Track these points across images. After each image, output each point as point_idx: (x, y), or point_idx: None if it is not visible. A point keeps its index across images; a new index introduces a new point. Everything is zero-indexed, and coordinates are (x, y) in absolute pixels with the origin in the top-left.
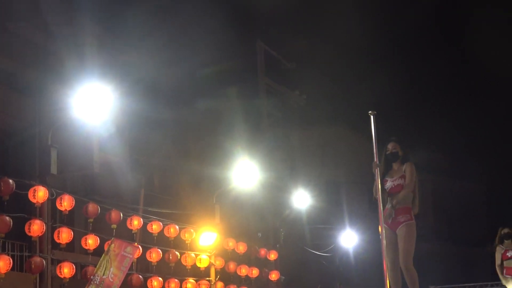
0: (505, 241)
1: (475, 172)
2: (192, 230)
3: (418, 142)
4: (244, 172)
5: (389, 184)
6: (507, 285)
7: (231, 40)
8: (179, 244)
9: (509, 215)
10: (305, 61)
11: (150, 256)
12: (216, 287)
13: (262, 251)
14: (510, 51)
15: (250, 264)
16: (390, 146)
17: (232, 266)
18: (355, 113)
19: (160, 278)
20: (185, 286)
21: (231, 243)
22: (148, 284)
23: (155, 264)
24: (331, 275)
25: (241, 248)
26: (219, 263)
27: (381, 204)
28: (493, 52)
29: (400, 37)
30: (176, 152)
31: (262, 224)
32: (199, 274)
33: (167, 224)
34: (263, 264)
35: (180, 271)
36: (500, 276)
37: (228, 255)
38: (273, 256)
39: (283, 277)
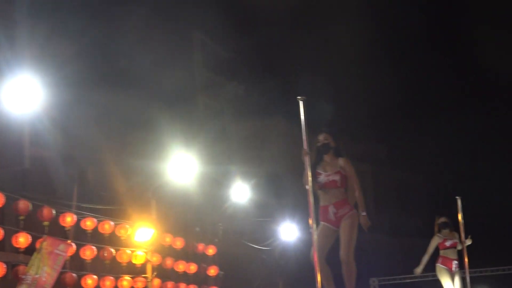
0: (443, 230)
1: (414, 162)
2: (127, 226)
3: (356, 132)
4: (181, 166)
5: (323, 178)
6: (439, 275)
7: (164, 29)
8: (114, 240)
9: (449, 204)
10: (243, 51)
11: (84, 253)
12: (152, 284)
13: (200, 246)
14: None
15: (188, 259)
16: (321, 137)
17: (169, 262)
18: (295, 103)
19: (95, 276)
20: (120, 284)
21: (168, 239)
22: (82, 283)
23: (89, 261)
24: (271, 270)
25: (179, 243)
26: (155, 259)
27: (312, 196)
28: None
29: (328, 23)
30: (111, 145)
31: (200, 219)
32: (135, 271)
33: (101, 220)
34: (201, 260)
35: (115, 269)
36: (421, 266)
37: (165, 251)
38: (211, 251)
39: (222, 273)
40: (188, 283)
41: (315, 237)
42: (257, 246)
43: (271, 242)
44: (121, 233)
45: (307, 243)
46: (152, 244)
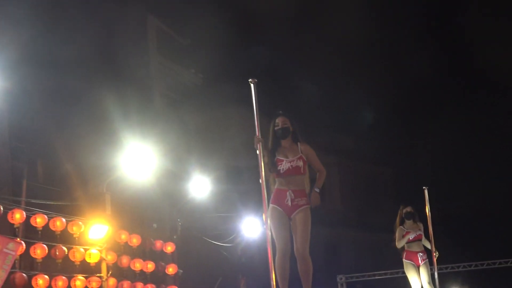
0: (407, 221)
1: (381, 153)
2: (80, 223)
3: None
4: (137, 158)
5: (285, 165)
6: (406, 271)
7: (118, 15)
8: (66, 238)
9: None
10: (201, 37)
11: (34, 252)
12: (108, 283)
13: (158, 244)
14: None
15: (145, 257)
16: (279, 120)
17: (125, 260)
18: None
19: (46, 276)
20: (73, 284)
21: (123, 236)
22: (33, 283)
23: (40, 260)
24: (233, 267)
25: (135, 240)
26: (111, 257)
27: (265, 189)
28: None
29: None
30: (62, 138)
31: (157, 214)
32: (89, 270)
33: (52, 217)
34: (159, 258)
35: (68, 268)
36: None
37: (121, 249)
38: (169, 248)
39: (181, 271)
40: (145, 283)
41: (269, 233)
42: (219, 243)
43: (233, 238)
44: (74, 230)
45: (271, 239)
46: (106, 241)
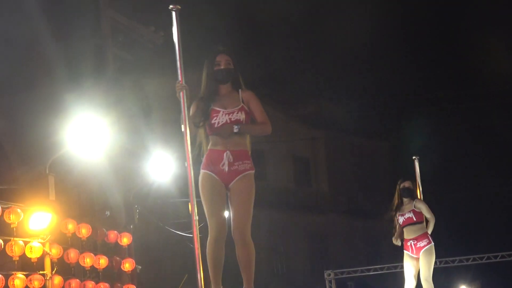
0: (404, 199)
1: (374, 124)
2: (19, 210)
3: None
4: (85, 133)
5: (222, 117)
6: (404, 263)
7: None
8: (2, 229)
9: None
10: None
11: None
12: (52, 282)
13: (112, 235)
14: None
15: (96, 251)
16: (221, 59)
17: (73, 255)
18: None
19: None
20: (12, 283)
21: (70, 226)
22: None
23: None
24: (205, 262)
25: (84, 231)
26: (55, 251)
27: (190, 150)
28: None
29: None
30: None
31: (111, 200)
32: (30, 266)
33: None
34: (114, 251)
35: (5, 264)
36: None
37: (68, 241)
38: (125, 240)
39: (140, 267)
40: (97, 281)
41: (193, 203)
42: (184, 233)
43: (200, 227)
44: (11, 219)
45: None
46: (50, 232)
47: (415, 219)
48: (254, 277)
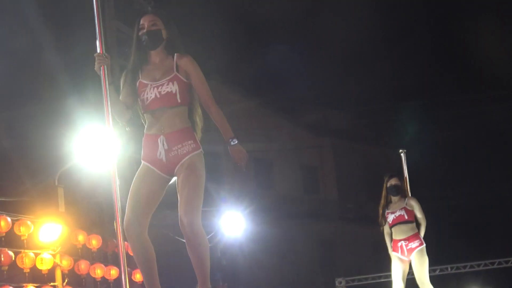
0: (392, 198)
1: (382, 132)
2: (29, 222)
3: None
4: (95, 144)
5: (150, 92)
6: (392, 265)
7: None
8: (12, 241)
9: (429, 185)
10: None
11: None
12: None
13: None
14: None
15: (106, 262)
16: (145, 21)
17: (83, 266)
18: (235, 61)
19: None
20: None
21: (81, 237)
22: None
23: None
24: (212, 271)
25: (94, 242)
26: (66, 263)
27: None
28: None
29: None
30: (3, 119)
31: (120, 211)
32: (41, 278)
33: None
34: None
35: (15, 276)
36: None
37: (78, 253)
38: None
39: None
40: None
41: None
42: None
43: (212, 237)
44: (22, 231)
45: (256, 238)
46: (61, 244)
47: (406, 217)
48: (263, 285)
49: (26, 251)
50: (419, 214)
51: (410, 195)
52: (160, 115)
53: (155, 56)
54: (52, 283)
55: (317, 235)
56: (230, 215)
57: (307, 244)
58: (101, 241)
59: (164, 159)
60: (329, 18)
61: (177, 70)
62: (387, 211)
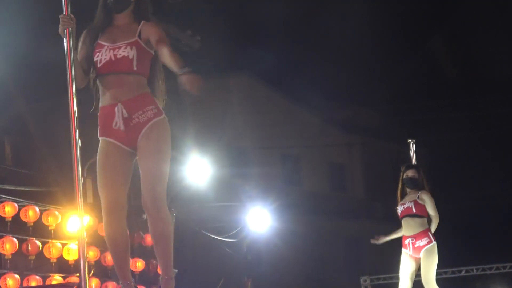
0: (408, 190)
1: (412, 131)
2: (57, 213)
3: (339, 96)
4: None
5: (104, 54)
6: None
7: None
8: (40, 231)
9: (454, 183)
10: None
11: (2, 247)
12: (89, 284)
13: (149, 238)
14: None
15: (133, 254)
16: None
17: (109, 257)
18: (259, 57)
19: (17, 276)
20: (49, 285)
21: None
22: (1, 283)
23: (10, 257)
24: (237, 266)
25: None
26: (93, 254)
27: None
28: None
29: None
30: (34, 111)
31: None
32: (67, 269)
33: (23, 206)
34: (150, 255)
35: (42, 266)
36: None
37: (105, 244)
38: None
39: (176, 270)
40: (133, 284)
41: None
42: (220, 238)
43: (238, 232)
44: (49, 221)
45: (282, 234)
46: (88, 235)
47: (414, 211)
48: (288, 282)
49: (53, 241)
50: (431, 211)
51: (427, 188)
52: (113, 81)
53: (121, 19)
54: (78, 274)
55: (343, 233)
56: (256, 211)
57: (333, 241)
58: (128, 233)
59: (122, 128)
60: (357, 17)
61: (139, 36)
62: (399, 203)
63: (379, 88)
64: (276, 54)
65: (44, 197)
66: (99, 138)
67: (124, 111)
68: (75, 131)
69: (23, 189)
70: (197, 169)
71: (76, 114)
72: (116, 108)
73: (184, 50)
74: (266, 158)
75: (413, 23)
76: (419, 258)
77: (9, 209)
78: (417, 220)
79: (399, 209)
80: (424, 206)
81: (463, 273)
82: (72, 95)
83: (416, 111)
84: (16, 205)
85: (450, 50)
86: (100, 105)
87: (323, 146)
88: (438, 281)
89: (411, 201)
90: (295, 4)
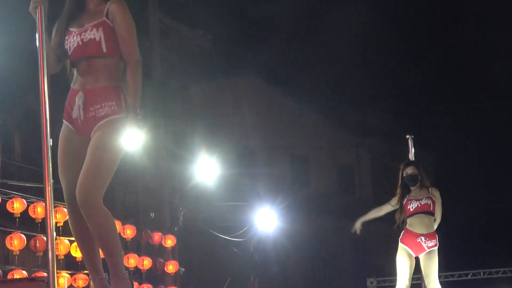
0: (411, 188)
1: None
2: (65, 210)
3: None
4: (130, 133)
5: (73, 39)
6: (397, 260)
7: None
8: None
9: (461, 188)
10: None
11: (11, 243)
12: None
13: (156, 236)
14: None
15: (140, 252)
16: None
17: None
18: (270, 59)
19: (24, 272)
20: (56, 282)
21: (116, 226)
22: (9, 279)
23: (18, 253)
24: (244, 266)
25: (129, 232)
26: (100, 252)
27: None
28: None
29: None
30: (56, 105)
31: (155, 202)
32: (75, 265)
33: (32, 202)
34: (158, 253)
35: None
36: (359, 221)
37: None
38: (170, 242)
39: (183, 269)
40: (140, 282)
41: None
42: (227, 237)
43: (245, 232)
44: (58, 218)
45: (289, 234)
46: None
47: (431, 208)
48: (295, 282)
49: (61, 238)
50: (439, 209)
51: (428, 183)
52: (84, 67)
53: (91, 2)
54: (85, 271)
55: (350, 235)
56: (264, 211)
57: (339, 243)
58: (135, 231)
59: (81, 118)
60: (368, 19)
61: (107, 16)
62: (408, 197)
63: (388, 91)
64: (286, 55)
65: (53, 193)
66: (63, 120)
67: (83, 100)
68: (45, 111)
69: (32, 185)
70: (206, 169)
71: (47, 92)
72: (77, 96)
73: (195, 49)
74: (274, 159)
75: (420, 26)
76: (416, 258)
77: (17, 205)
78: (431, 218)
79: (414, 204)
80: (435, 203)
81: (470, 277)
82: (43, 77)
83: (425, 114)
84: (24, 201)
85: (457, 54)
86: (71, 86)
87: (332, 147)
88: (444, 284)
89: (427, 197)
90: (306, 5)
